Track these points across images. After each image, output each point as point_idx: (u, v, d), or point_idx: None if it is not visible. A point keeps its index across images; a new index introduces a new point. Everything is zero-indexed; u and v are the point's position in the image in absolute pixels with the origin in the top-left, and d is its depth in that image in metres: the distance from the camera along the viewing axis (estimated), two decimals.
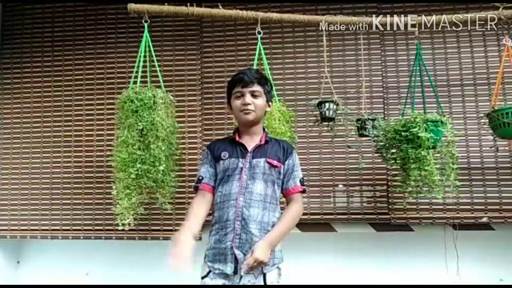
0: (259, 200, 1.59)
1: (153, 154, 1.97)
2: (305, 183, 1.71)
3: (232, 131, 1.79)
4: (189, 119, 2.83)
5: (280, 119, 2.10)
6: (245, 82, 1.63)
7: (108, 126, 2.84)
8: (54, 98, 2.95)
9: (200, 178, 1.70)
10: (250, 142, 1.68)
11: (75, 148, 2.90)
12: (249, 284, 1.55)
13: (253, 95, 1.64)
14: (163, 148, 2.00)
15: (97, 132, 2.88)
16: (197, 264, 1.62)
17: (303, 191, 1.70)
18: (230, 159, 1.64)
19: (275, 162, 1.64)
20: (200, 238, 2.68)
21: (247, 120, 1.64)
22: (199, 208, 1.64)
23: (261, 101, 1.66)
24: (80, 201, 2.84)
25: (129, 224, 2.03)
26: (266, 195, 1.61)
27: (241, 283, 1.55)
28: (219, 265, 1.56)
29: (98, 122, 2.89)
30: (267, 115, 1.92)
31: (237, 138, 1.68)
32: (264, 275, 1.56)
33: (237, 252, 1.54)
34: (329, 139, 2.70)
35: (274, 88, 2.23)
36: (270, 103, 1.73)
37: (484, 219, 2.60)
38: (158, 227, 2.76)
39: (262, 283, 1.55)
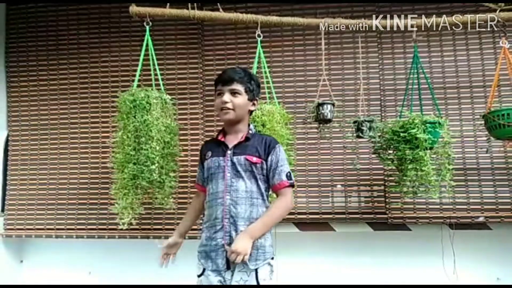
0: (245, 197, 1.60)
1: (145, 154, 1.97)
2: (293, 178, 1.68)
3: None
4: (192, 121, 2.88)
5: (280, 122, 2.11)
6: (224, 80, 1.65)
7: (113, 128, 2.88)
8: (60, 101, 3.02)
9: (196, 179, 1.82)
10: (234, 140, 1.69)
11: (81, 150, 2.96)
12: (241, 281, 1.55)
13: (233, 93, 1.64)
14: (157, 148, 1.99)
15: (102, 134, 2.94)
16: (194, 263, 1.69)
17: (290, 186, 1.65)
18: (212, 158, 1.68)
19: (254, 159, 1.63)
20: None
21: (226, 119, 1.67)
22: (190, 210, 1.89)
23: (240, 99, 1.65)
24: (85, 201, 2.90)
25: (128, 223, 2.06)
26: (252, 191, 1.62)
27: (233, 280, 1.56)
28: (211, 262, 1.59)
29: (103, 125, 2.95)
30: (252, 113, 1.86)
31: (219, 137, 1.72)
32: (256, 271, 1.56)
33: (228, 248, 1.55)
34: (328, 140, 2.74)
35: (273, 90, 2.28)
36: (255, 101, 1.73)
37: (481, 219, 2.64)
38: (160, 226, 2.80)
39: (254, 280, 1.55)
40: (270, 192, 1.73)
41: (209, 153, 1.70)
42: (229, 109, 1.64)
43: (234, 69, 1.69)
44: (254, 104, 1.73)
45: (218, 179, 1.64)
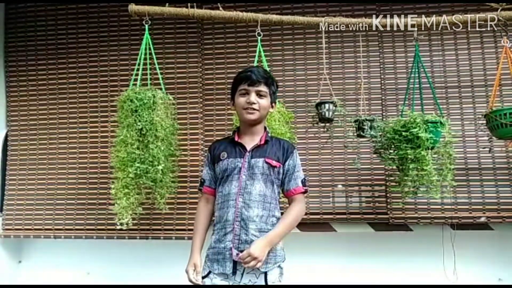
0: (259, 200, 1.57)
1: (151, 153, 1.97)
2: (306, 183, 1.69)
3: (232, 132, 1.78)
4: (191, 120, 2.86)
5: (280, 120, 2.10)
6: (252, 80, 1.60)
7: (112, 127, 2.87)
8: (59, 101, 3.00)
9: (202, 181, 1.73)
10: (250, 141, 1.66)
11: (80, 150, 2.94)
12: (249, 283, 1.53)
13: (259, 94, 1.62)
14: (162, 148, 2.00)
15: (101, 134, 2.92)
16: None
17: (305, 192, 1.67)
18: (228, 159, 1.63)
19: (273, 162, 1.61)
20: None
21: (250, 119, 1.62)
22: (204, 219, 1.71)
23: (266, 101, 1.63)
24: (84, 201, 2.88)
25: (127, 223, 2.04)
26: (265, 195, 1.59)
27: (241, 283, 1.53)
28: (218, 265, 1.56)
29: (102, 124, 2.94)
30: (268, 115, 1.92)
31: (236, 138, 1.67)
32: (265, 274, 1.54)
33: (234, 252, 1.52)
34: (328, 140, 2.72)
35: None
36: (274, 104, 1.72)
37: (482, 219, 2.62)
38: (159, 227, 2.78)
39: (263, 283, 1.53)
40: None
41: (225, 154, 1.65)
42: (255, 110, 1.61)
43: (259, 70, 1.65)
44: (272, 107, 1.72)
45: (233, 180, 1.60)
